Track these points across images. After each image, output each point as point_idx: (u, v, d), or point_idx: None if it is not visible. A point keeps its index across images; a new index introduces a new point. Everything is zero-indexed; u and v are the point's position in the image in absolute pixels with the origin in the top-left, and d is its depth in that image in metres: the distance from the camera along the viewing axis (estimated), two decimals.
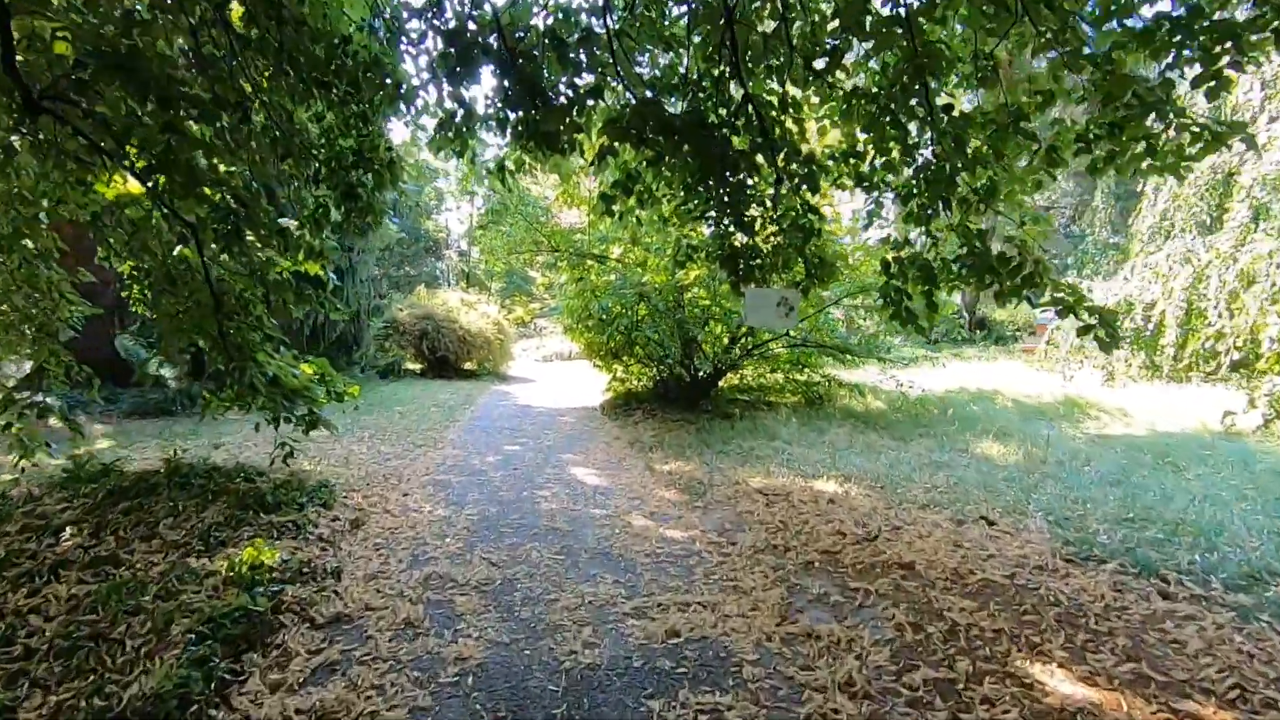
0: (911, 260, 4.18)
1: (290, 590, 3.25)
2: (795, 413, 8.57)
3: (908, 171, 4.35)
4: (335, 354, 14.31)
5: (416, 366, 16.32)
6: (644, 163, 4.58)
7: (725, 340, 9.23)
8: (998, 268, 3.86)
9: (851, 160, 4.48)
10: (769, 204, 4.76)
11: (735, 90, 4.63)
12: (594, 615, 3.14)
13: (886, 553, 3.71)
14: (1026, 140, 3.81)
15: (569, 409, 10.70)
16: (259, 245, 5.10)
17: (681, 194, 4.79)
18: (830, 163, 4.52)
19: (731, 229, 4.85)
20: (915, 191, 4.19)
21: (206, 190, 4.42)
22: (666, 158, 4.40)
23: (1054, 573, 3.40)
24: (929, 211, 4.17)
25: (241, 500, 4.28)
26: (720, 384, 9.84)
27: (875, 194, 4.49)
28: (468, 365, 16.29)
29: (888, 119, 3.94)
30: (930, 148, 3.97)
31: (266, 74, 4.65)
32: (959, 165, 3.76)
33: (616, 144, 4.31)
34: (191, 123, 4.20)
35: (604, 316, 8.95)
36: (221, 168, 5.01)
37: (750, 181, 4.61)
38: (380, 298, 19.37)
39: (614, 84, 4.66)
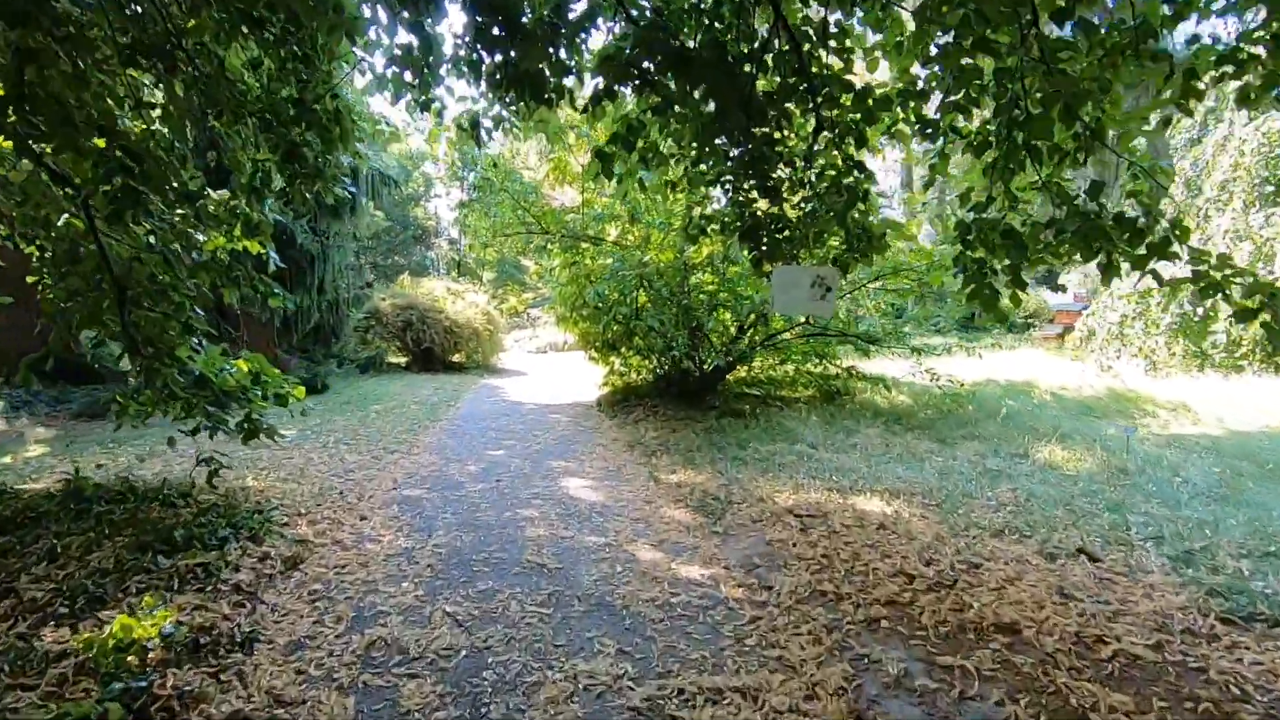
0: (993, 225, 3.27)
1: (174, 675, 2.37)
2: (814, 409, 7.69)
3: (984, 114, 3.46)
4: (312, 347, 13.38)
5: (400, 360, 15.38)
6: (648, 111, 3.65)
7: (733, 330, 8.34)
8: (1113, 233, 2.98)
9: (911, 103, 3.55)
10: (800, 162, 3.88)
11: (761, 21, 3.72)
12: (591, 712, 2.27)
13: (974, 606, 2.84)
14: (1155, 65, 2.91)
15: (563, 405, 9.80)
16: (196, 221, 4.18)
17: (694, 151, 3.89)
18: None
19: (754, 195, 3.96)
20: (995, 139, 3.29)
21: (98, 142, 3.50)
22: (675, 105, 3.49)
23: (1214, 641, 2.53)
24: (1011, 166, 3.28)
25: (141, 537, 3.37)
26: (728, 377, 8.96)
27: (940, 143, 3.58)
28: (455, 358, 15.35)
29: (969, 41, 3.02)
30: (1021, 79, 3.05)
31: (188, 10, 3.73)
32: (1067, 100, 2.85)
33: (616, 86, 3.41)
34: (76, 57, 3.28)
35: (599, 304, 8.05)
36: (134, 122, 4.09)
37: (777, 135, 3.70)
38: (368, 286, 18.40)
39: (611, 24, 3.75)
